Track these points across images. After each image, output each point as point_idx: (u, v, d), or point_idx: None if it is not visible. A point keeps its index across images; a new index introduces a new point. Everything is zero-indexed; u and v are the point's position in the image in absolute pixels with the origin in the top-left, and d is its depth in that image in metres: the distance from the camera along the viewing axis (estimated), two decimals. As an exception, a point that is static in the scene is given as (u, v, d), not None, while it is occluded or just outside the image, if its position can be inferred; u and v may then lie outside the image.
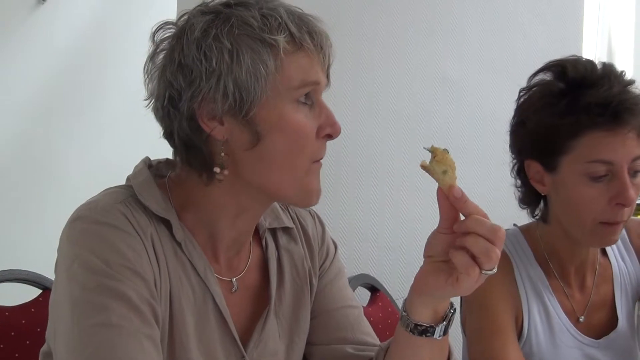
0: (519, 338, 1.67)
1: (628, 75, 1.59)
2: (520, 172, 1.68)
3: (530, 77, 1.65)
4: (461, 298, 1.74)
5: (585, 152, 1.54)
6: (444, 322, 1.24)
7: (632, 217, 1.76)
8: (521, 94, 1.65)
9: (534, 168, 1.63)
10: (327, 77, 1.27)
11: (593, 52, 6.69)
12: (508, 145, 1.69)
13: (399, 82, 2.73)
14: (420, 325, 1.24)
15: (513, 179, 1.69)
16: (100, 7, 4.07)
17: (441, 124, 2.76)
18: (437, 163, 1.15)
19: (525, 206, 1.72)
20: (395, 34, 2.80)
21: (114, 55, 4.00)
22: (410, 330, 1.24)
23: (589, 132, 1.53)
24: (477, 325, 1.64)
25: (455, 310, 1.26)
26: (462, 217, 1.16)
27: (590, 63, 1.61)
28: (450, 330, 1.28)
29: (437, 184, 1.15)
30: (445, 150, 1.16)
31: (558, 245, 1.69)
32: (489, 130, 2.98)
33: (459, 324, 1.77)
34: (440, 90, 2.90)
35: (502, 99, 2.99)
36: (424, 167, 1.14)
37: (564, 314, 1.69)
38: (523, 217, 1.75)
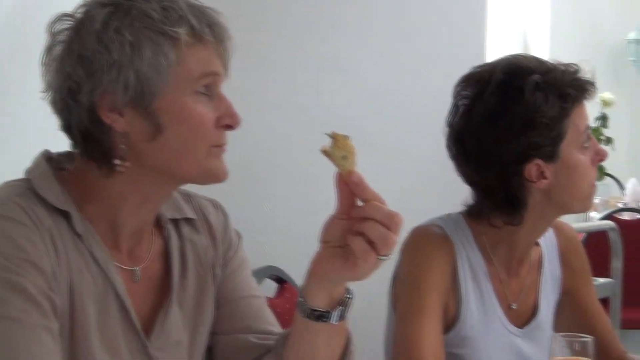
0: (454, 321, 1.72)
1: None
2: (509, 181, 1.70)
3: (474, 84, 1.71)
4: (393, 277, 1.78)
5: (578, 125, 1.66)
6: (341, 307, 1.27)
7: (561, 221, 1.88)
8: (483, 102, 1.68)
9: (536, 168, 1.67)
10: (227, 69, 1.30)
11: (509, 47, 6.87)
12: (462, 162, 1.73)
13: (304, 75, 2.78)
14: (316, 311, 1.26)
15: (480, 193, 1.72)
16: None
17: (345, 118, 2.83)
18: (338, 148, 1.17)
19: (508, 211, 1.73)
20: (300, 27, 2.85)
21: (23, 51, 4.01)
22: (307, 316, 1.26)
23: (577, 107, 1.66)
24: (405, 305, 1.69)
25: (352, 295, 1.28)
26: (360, 203, 1.18)
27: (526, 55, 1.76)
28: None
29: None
30: (346, 137, 1.17)
31: (505, 237, 1.74)
32: (393, 124, 3.02)
33: (387, 306, 1.81)
34: (345, 84, 2.94)
35: (406, 94, 3.06)
36: (324, 151, 1.16)
37: (497, 300, 1.74)
38: (433, 210, 1.82)
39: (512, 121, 1.65)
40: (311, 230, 2.88)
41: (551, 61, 1.73)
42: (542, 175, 1.66)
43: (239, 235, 1.53)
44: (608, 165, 5.87)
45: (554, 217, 1.79)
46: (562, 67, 1.69)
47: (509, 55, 1.79)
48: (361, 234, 1.15)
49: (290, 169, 2.82)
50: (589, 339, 1.49)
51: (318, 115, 2.76)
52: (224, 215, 1.52)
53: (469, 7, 3.35)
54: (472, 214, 1.77)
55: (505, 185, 1.68)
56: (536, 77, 1.66)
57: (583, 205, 1.78)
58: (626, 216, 5.11)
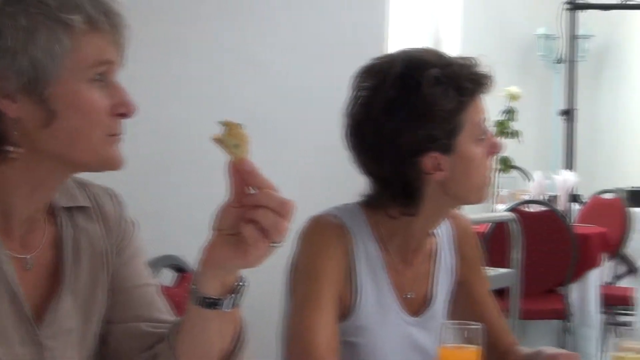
0: (350, 310, 1.75)
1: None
2: (406, 172, 1.73)
3: (367, 77, 1.74)
4: (290, 266, 1.81)
5: (475, 118, 1.71)
6: (233, 295, 1.29)
7: (457, 212, 1.94)
8: (374, 96, 1.71)
9: (432, 159, 1.71)
10: (122, 57, 1.31)
11: (421, 41, 7.00)
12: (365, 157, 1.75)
13: (208, 64, 2.81)
14: (208, 298, 1.28)
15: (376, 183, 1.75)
16: None
17: (251, 107, 2.89)
18: (230, 137, 1.19)
19: (405, 202, 1.76)
20: (204, 15, 2.89)
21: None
22: (199, 304, 1.28)
23: (474, 101, 1.71)
24: (300, 294, 1.72)
25: (244, 283, 1.31)
26: (252, 191, 1.20)
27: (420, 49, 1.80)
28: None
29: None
30: (239, 125, 1.19)
31: (401, 227, 1.78)
32: (293, 114, 3.09)
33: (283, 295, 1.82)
34: (250, 73, 2.99)
35: (307, 83, 3.10)
36: (216, 139, 1.18)
37: (392, 290, 1.79)
38: (331, 199, 1.84)
39: (410, 113, 1.69)
40: (211, 219, 2.93)
41: (450, 55, 1.78)
42: (438, 167, 1.71)
43: (134, 224, 1.54)
44: (516, 157, 6.06)
45: (450, 208, 1.84)
46: (461, 61, 1.74)
47: (409, 48, 1.83)
48: (253, 221, 1.17)
49: (189, 158, 2.84)
50: (477, 326, 1.53)
51: (218, 104, 2.81)
52: (119, 204, 1.52)
53: (369, 2, 3.43)
54: (369, 204, 1.80)
55: (402, 176, 1.72)
56: (435, 70, 1.69)
57: (478, 197, 1.83)
58: (532, 208, 5.27)
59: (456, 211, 1.93)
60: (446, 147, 1.71)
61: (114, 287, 1.47)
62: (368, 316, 1.78)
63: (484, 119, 1.77)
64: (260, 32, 2.95)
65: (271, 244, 1.18)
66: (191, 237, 2.64)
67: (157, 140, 2.71)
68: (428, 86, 1.68)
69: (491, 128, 1.89)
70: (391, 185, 1.73)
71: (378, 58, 1.82)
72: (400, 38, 5.27)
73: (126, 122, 1.34)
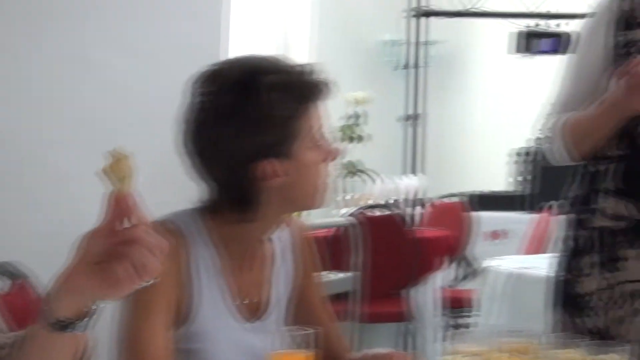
0: (187, 316, 1.76)
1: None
2: (242, 178, 1.75)
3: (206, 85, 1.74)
4: None
5: (312, 125, 1.75)
6: (87, 318, 1.28)
7: (295, 218, 1.98)
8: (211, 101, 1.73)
9: (269, 166, 1.73)
10: None
11: (270, 46, 7.07)
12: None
13: (39, 65, 2.78)
14: (62, 322, 1.26)
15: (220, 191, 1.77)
16: None
17: (84, 109, 2.86)
18: (117, 169, 1.18)
19: (242, 208, 1.78)
20: (35, 15, 2.82)
21: None
22: (51, 326, 1.27)
23: (311, 107, 1.75)
24: (131, 304, 1.70)
25: (99, 305, 1.30)
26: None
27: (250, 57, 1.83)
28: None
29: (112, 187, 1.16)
30: (127, 156, 1.18)
31: (238, 233, 1.81)
32: (134, 116, 3.09)
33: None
34: (84, 75, 2.98)
35: (147, 85, 3.11)
36: (103, 171, 1.16)
37: (230, 295, 1.81)
38: (169, 205, 1.83)
39: (246, 120, 1.73)
40: (50, 228, 2.84)
41: (288, 62, 1.82)
42: (275, 173, 1.74)
43: None
44: (364, 161, 6.18)
45: (287, 213, 1.89)
46: (298, 68, 1.79)
47: (247, 55, 1.87)
48: (126, 256, 1.17)
49: (30, 163, 2.81)
50: (310, 331, 1.57)
51: (51, 106, 2.79)
52: None
53: (207, 6, 3.47)
54: (205, 210, 1.82)
55: (239, 182, 1.75)
56: (272, 77, 1.74)
57: (315, 202, 1.88)
58: (377, 212, 5.38)
59: (294, 217, 1.97)
60: (283, 154, 1.75)
61: None
62: (205, 322, 1.80)
63: (322, 126, 1.83)
64: (94, 33, 2.95)
65: (142, 283, 1.18)
66: (28, 244, 2.69)
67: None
68: (265, 93, 1.72)
69: (333, 134, 1.94)
70: (227, 191, 1.76)
71: (216, 64, 1.85)
72: (246, 43, 5.30)
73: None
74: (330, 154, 1.85)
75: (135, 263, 1.17)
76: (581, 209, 2.48)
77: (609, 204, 2.41)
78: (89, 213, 1.24)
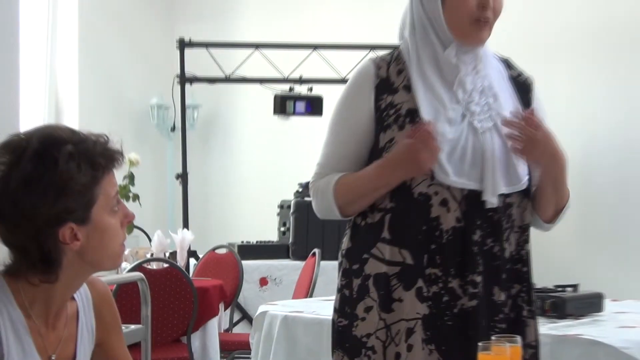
0: None
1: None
2: (44, 242, 1.73)
3: None
4: None
5: (109, 191, 1.76)
6: None
7: (95, 277, 1.93)
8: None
9: (69, 230, 1.72)
10: None
11: (44, 116, 6.90)
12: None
13: None
14: None
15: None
16: None
17: None
18: None
19: (45, 270, 1.76)
20: None
21: None
22: None
23: (106, 175, 1.76)
24: None
25: None
26: None
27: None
28: None
29: None
30: None
31: (42, 294, 1.78)
32: None
33: None
34: None
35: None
36: None
37: (37, 353, 1.77)
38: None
39: (47, 188, 1.70)
40: None
41: (84, 132, 1.81)
42: (75, 237, 1.73)
43: None
44: (136, 218, 6.13)
45: (88, 274, 1.87)
46: (94, 138, 1.78)
47: (46, 125, 1.84)
48: None
49: None
50: None
51: None
52: None
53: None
54: (10, 272, 1.79)
55: (40, 246, 1.73)
56: (69, 147, 1.72)
57: (113, 263, 1.88)
58: (154, 265, 5.29)
59: (93, 276, 1.95)
60: (82, 219, 1.75)
61: None
62: None
63: (117, 191, 1.83)
64: None
65: None
66: None
67: None
68: (63, 162, 1.71)
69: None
70: (30, 254, 1.73)
71: (15, 134, 1.82)
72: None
73: None
74: (127, 218, 1.85)
75: None
76: (354, 260, 2.45)
77: (385, 251, 2.39)
78: None
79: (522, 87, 2.52)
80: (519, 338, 1.89)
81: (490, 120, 2.40)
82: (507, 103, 2.43)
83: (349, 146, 2.47)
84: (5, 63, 3.39)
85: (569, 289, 3.99)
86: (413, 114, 2.36)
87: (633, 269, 6.36)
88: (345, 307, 2.44)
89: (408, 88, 2.40)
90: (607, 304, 4.04)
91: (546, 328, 3.39)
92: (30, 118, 3.78)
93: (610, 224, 6.65)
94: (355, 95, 2.48)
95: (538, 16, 6.72)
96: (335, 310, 2.46)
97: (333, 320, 2.47)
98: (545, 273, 4.19)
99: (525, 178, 2.41)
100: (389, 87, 2.44)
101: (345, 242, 2.50)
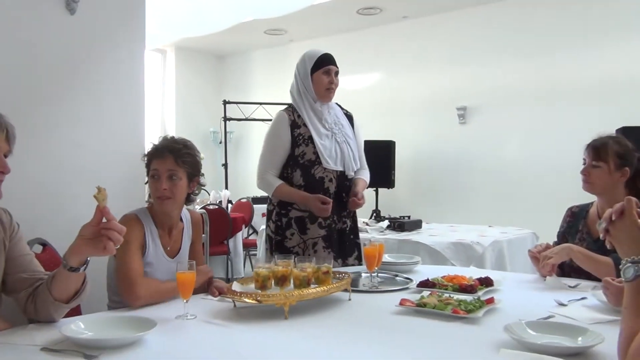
0: (144, 255, 2.38)
1: None
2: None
3: None
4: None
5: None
6: (84, 265, 1.83)
7: (190, 208, 2.34)
8: None
9: (195, 184, 2.29)
10: None
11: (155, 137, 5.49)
12: None
13: None
14: (72, 268, 1.82)
15: None
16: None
17: None
18: (100, 194, 1.69)
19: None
20: None
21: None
22: (68, 269, 1.82)
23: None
24: (120, 250, 2.04)
25: (88, 259, 1.83)
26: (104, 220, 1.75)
27: None
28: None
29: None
30: (104, 189, 1.69)
31: (165, 217, 2.37)
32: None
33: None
34: None
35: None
36: (94, 196, 1.63)
37: (161, 246, 2.37)
38: None
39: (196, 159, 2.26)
40: (62, 217, 3.25)
41: (180, 139, 2.40)
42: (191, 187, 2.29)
43: (18, 224, 2.01)
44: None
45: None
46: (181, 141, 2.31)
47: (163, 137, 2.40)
48: (107, 236, 1.71)
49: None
50: (193, 262, 2.06)
51: None
52: (9, 214, 2.00)
53: None
54: (149, 206, 2.31)
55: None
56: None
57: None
58: (212, 207, 6.39)
59: (192, 209, 2.44)
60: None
61: (9, 257, 1.96)
62: (150, 257, 2.37)
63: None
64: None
65: (114, 247, 1.71)
66: (51, 226, 3.06)
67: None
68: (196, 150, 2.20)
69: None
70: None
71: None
72: None
73: None
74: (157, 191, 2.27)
75: (111, 238, 1.70)
76: (283, 208, 3.17)
77: (300, 207, 3.13)
78: (89, 214, 1.76)
79: (350, 119, 3.29)
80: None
81: (343, 136, 3.15)
82: (348, 127, 3.20)
83: (277, 158, 3.17)
84: (135, 109, 3.61)
85: (406, 217, 5.11)
86: (311, 137, 3.05)
87: (438, 208, 8.13)
88: (278, 230, 3.22)
89: (305, 125, 3.09)
90: (424, 225, 5.21)
91: (395, 236, 4.54)
92: (148, 140, 3.18)
93: (429, 184, 8.30)
94: (280, 128, 3.14)
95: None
96: (272, 231, 3.23)
97: (270, 236, 3.26)
98: (394, 211, 6.42)
99: (357, 166, 3.21)
100: (296, 124, 3.11)
101: (274, 201, 3.24)
